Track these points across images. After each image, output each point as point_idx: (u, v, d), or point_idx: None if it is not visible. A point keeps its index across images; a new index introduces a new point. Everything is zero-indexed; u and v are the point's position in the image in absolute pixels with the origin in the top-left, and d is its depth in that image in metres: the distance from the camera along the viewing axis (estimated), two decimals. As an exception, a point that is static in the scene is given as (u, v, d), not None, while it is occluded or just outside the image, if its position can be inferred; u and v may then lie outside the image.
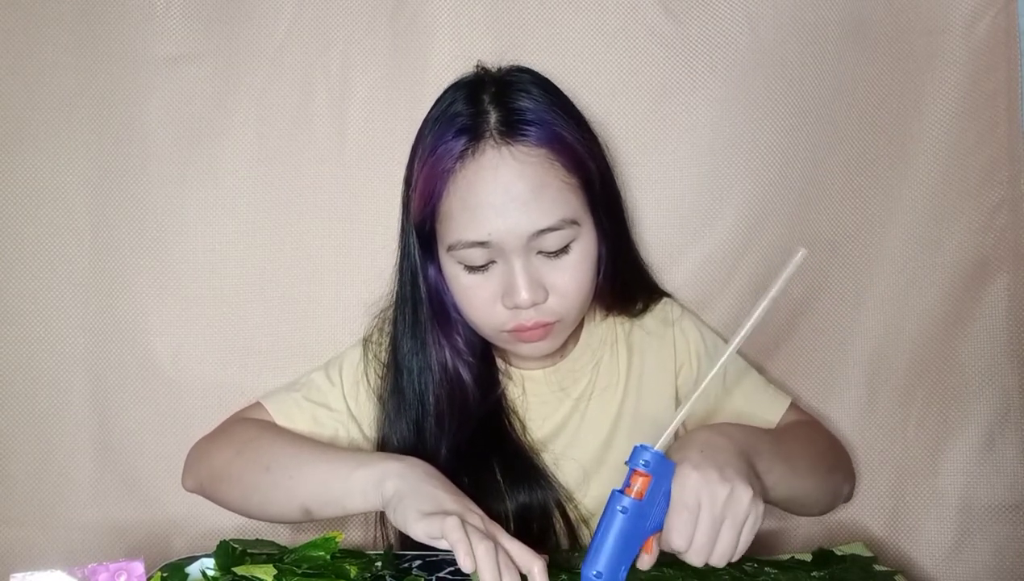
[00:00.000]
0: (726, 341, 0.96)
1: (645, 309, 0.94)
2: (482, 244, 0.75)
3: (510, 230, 0.74)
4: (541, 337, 0.80)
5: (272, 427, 0.87)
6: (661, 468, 0.65)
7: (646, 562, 0.67)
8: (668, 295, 0.97)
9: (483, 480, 0.83)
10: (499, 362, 0.90)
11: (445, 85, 0.98)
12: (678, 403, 0.91)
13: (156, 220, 1.02)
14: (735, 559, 0.66)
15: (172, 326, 1.03)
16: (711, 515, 0.64)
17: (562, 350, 0.89)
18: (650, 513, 0.65)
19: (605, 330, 0.92)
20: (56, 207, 1.02)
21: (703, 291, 1.01)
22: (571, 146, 0.77)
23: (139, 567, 0.62)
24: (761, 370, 0.97)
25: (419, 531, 0.66)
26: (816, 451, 0.88)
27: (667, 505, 0.65)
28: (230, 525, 1.01)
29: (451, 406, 0.85)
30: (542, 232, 0.75)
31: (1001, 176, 0.98)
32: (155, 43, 1.00)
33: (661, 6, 0.99)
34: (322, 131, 1.01)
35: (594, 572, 0.63)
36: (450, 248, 0.77)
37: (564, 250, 0.77)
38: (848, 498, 0.95)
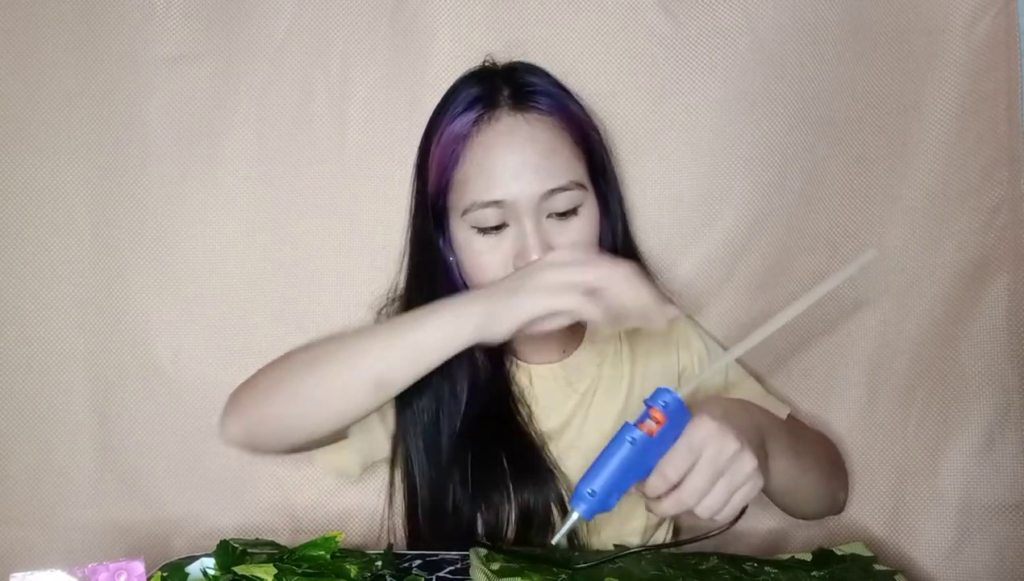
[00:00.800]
0: (724, 348, 0.97)
1: None
2: (497, 203, 0.79)
3: (523, 190, 0.78)
4: None
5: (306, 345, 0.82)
6: (678, 414, 0.66)
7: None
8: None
9: (490, 469, 0.84)
10: (506, 359, 0.91)
11: (445, 85, 0.99)
12: None
13: (156, 220, 1.02)
14: (720, 519, 0.67)
15: (172, 326, 1.03)
16: (713, 464, 0.65)
17: (567, 347, 0.92)
18: (656, 452, 0.66)
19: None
20: (56, 207, 1.02)
21: (703, 290, 1.01)
22: (577, 117, 0.84)
23: (139, 567, 0.62)
24: (760, 380, 0.98)
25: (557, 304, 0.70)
26: (820, 453, 0.89)
27: None
28: (230, 525, 1.01)
29: (468, 378, 0.86)
30: (553, 192, 0.79)
31: (1001, 176, 0.98)
32: (155, 43, 1.00)
33: (661, 6, 0.99)
34: (322, 131, 1.01)
35: (589, 490, 0.65)
36: (465, 211, 0.81)
37: (573, 213, 0.81)
38: (841, 508, 0.96)
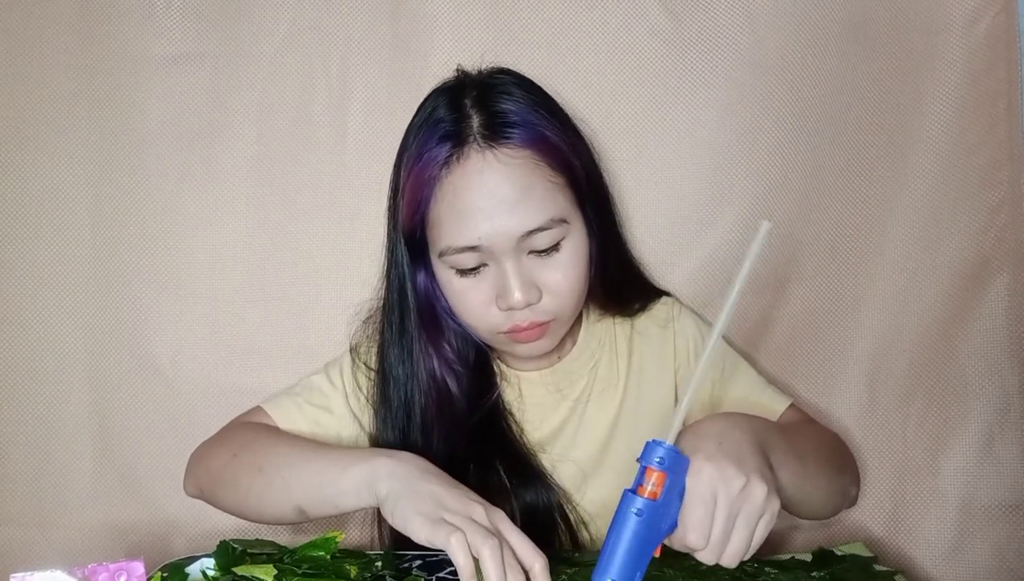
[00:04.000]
0: (728, 341, 0.96)
1: (643, 309, 0.93)
2: (472, 248, 0.75)
3: (499, 233, 0.74)
4: (538, 336, 0.80)
5: (270, 429, 0.86)
6: (676, 464, 0.60)
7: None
8: (667, 294, 0.97)
9: (489, 482, 0.83)
10: (496, 364, 0.89)
11: (445, 85, 0.98)
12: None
13: (156, 220, 1.02)
14: (747, 557, 0.63)
15: (172, 326, 1.03)
16: (727, 510, 0.61)
17: (559, 351, 0.89)
18: (665, 513, 0.60)
19: (603, 331, 0.92)
20: (56, 207, 1.02)
21: (703, 290, 1.01)
22: (555, 146, 0.77)
23: (139, 567, 0.62)
24: (760, 370, 0.97)
25: (422, 537, 0.65)
26: (825, 450, 0.85)
27: (680, 503, 0.61)
28: (230, 525, 1.01)
29: (439, 416, 0.84)
30: (531, 233, 0.75)
31: (1001, 176, 0.98)
32: (155, 43, 1.00)
33: (661, 5, 0.99)
34: (322, 131, 1.01)
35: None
36: (441, 254, 0.78)
37: (555, 249, 0.77)
38: (854, 502, 0.91)
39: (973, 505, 0.99)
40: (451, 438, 0.84)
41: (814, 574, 0.76)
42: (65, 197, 1.02)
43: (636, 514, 0.59)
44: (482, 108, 0.77)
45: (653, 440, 0.61)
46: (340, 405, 0.89)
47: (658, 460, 0.60)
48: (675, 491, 0.61)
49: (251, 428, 0.87)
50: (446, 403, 0.84)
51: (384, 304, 0.87)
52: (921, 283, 1.00)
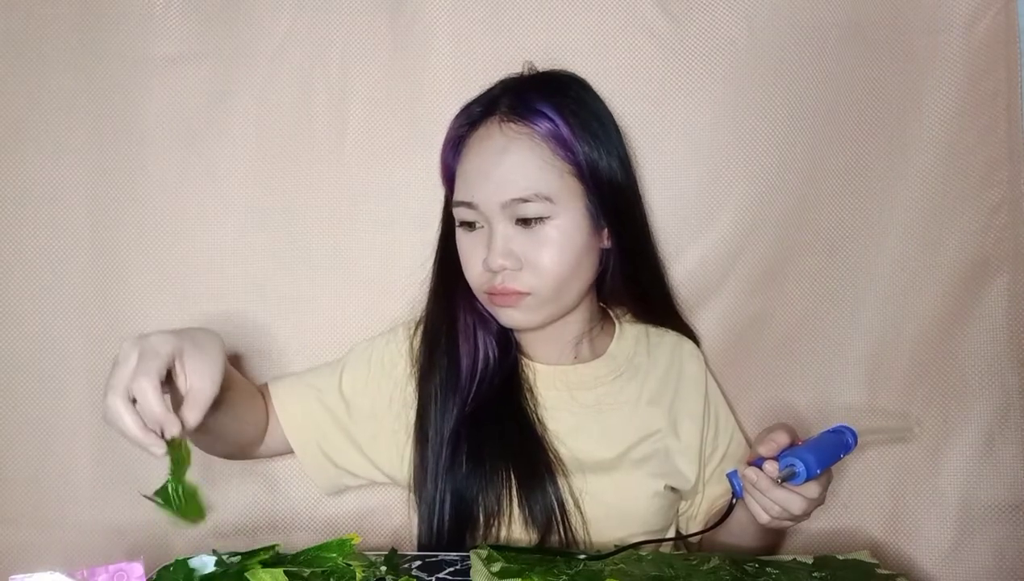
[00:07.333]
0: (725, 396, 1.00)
1: (675, 334, 0.99)
2: (468, 204, 0.85)
3: (489, 195, 0.84)
4: (511, 304, 0.86)
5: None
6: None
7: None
8: (696, 341, 1.01)
9: (495, 465, 0.86)
10: (514, 351, 0.93)
11: (445, 86, 1.00)
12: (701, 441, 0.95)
13: (156, 220, 1.02)
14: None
15: (172, 326, 1.02)
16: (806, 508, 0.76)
17: (575, 353, 0.93)
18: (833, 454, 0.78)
19: (634, 350, 0.95)
20: (56, 207, 1.02)
21: (698, 290, 1.02)
22: (562, 136, 0.84)
23: (138, 568, 0.62)
24: (762, 373, 0.98)
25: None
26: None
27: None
28: (230, 526, 1.01)
29: (474, 359, 0.91)
30: (515, 200, 0.83)
31: (1001, 176, 0.98)
32: (154, 43, 1.00)
33: (660, 7, 0.99)
34: (322, 131, 1.01)
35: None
36: (454, 206, 0.88)
37: (540, 223, 0.84)
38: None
39: (973, 505, 0.99)
40: (483, 385, 0.90)
41: (815, 575, 0.76)
42: (65, 197, 1.01)
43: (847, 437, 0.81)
44: (516, 92, 0.87)
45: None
46: (332, 394, 0.93)
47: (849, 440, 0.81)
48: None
49: None
50: (480, 346, 0.91)
51: (436, 258, 0.95)
52: (921, 283, 1.00)
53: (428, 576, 0.76)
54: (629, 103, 0.99)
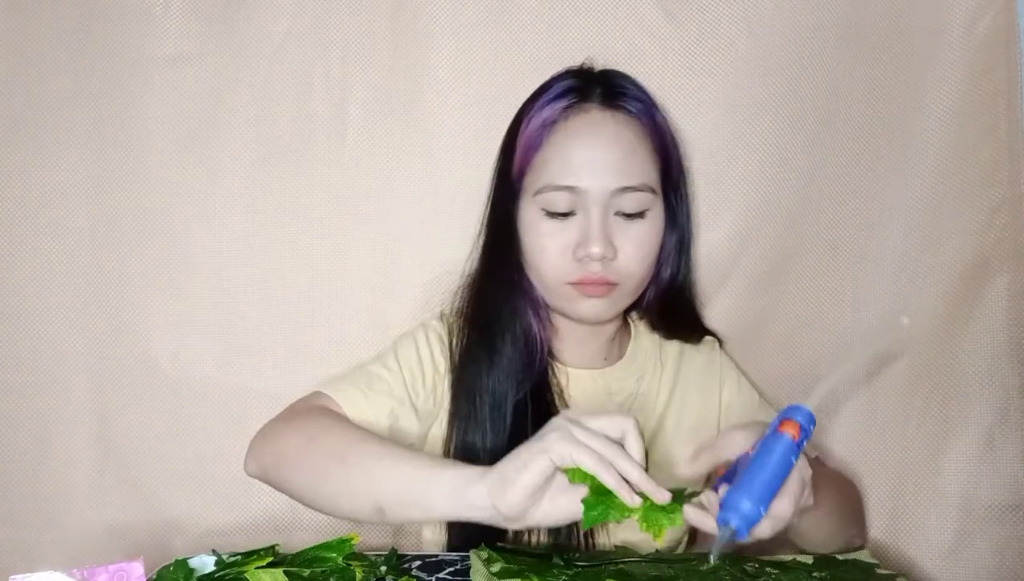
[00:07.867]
0: (752, 382, 0.98)
1: (689, 337, 0.97)
2: (570, 189, 0.82)
3: (597, 182, 0.82)
4: (603, 293, 0.84)
5: (344, 419, 0.83)
6: (804, 438, 0.67)
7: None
8: (713, 334, 1.00)
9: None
10: (546, 359, 0.89)
11: (445, 86, 0.99)
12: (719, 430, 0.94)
13: (156, 220, 1.02)
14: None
15: (172, 326, 1.03)
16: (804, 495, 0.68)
17: (607, 354, 0.93)
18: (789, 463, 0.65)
19: (650, 349, 0.95)
20: (56, 207, 1.01)
21: (700, 289, 1.01)
22: (660, 127, 0.87)
23: (138, 568, 0.61)
24: (763, 372, 0.98)
25: (563, 451, 0.64)
26: (839, 501, 0.87)
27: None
28: (230, 525, 1.01)
29: (525, 343, 0.87)
30: (624, 189, 0.82)
31: (1001, 176, 0.98)
32: (154, 43, 1.00)
33: (660, 7, 0.99)
34: (322, 131, 1.01)
35: (744, 502, 0.63)
36: (538, 192, 0.84)
37: (640, 216, 0.84)
38: (861, 547, 0.89)
39: (973, 505, 0.99)
40: (528, 373, 0.86)
41: (815, 575, 0.76)
42: (65, 197, 1.01)
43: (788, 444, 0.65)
44: (605, 81, 0.87)
45: (796, 405, 0.68)
46: (400, 388, 0.87)
47: (802, 422, 0.66)
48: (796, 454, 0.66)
49: (325, 414, 0.83)
50: (530, 331, 0.87)
51: (485, 244, 0.92)
52: (921, 283, 1.00)
53: (428, 576, 0.76)
54: (629, 103, 0.99)
